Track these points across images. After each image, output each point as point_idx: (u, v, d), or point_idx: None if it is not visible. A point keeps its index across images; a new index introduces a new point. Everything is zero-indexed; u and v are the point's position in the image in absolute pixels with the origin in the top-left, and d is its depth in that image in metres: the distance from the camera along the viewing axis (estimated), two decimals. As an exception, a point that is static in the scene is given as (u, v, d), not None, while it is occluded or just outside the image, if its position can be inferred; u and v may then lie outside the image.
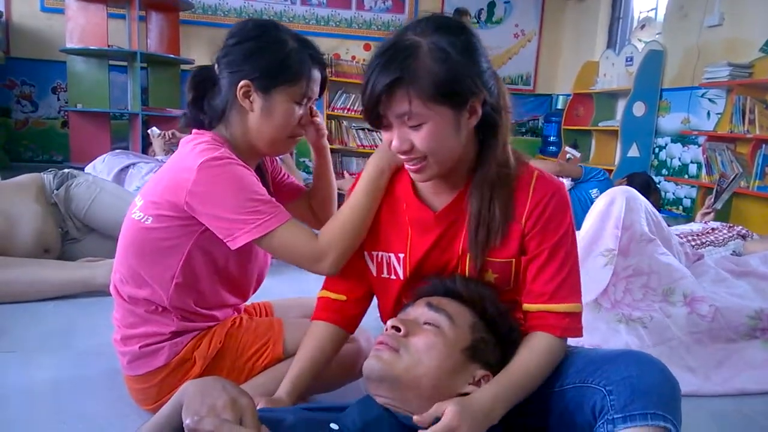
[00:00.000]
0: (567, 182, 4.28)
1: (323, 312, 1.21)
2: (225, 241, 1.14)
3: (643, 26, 5.52)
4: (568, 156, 4.84)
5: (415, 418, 0.89)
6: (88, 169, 3.16)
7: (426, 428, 0.87)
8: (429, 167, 1.02)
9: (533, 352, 1.02)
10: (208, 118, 1.27)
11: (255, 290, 1.42)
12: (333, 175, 1.50)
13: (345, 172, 5.95)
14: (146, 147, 4.48)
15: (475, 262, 1.07)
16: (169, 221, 1.19)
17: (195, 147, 1.18)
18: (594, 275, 1.84)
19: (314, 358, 1.16)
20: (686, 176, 4.76)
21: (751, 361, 1.75)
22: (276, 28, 1.25)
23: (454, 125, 0.99)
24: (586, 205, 3.59)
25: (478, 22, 6.56)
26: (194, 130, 1.25)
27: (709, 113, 4.54)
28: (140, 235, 1.22)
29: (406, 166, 1.06)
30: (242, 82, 1.21)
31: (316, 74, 1.27)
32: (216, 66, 1.26)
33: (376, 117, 0.99)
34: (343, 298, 1.20)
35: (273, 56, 1.21)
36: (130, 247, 1.24)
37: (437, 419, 0.88)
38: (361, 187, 1.16)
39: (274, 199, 1.17)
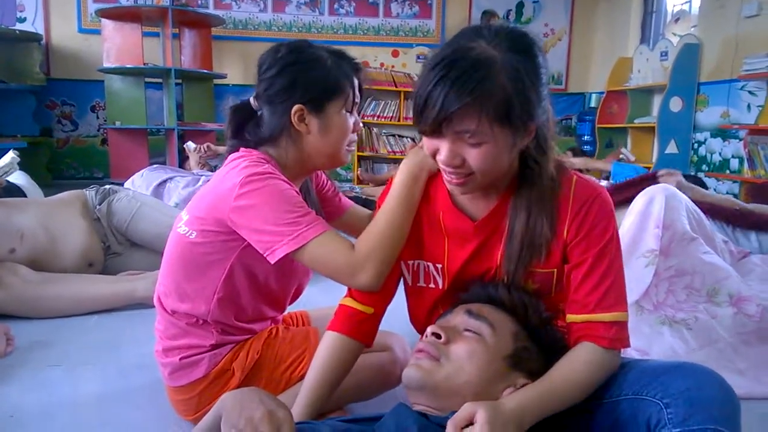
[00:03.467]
0: (605, 183, 4.23)
1: (347, 325, 1.13)
2: (265, 255, 1.12)
3: (677, 20, 5.40)
4: (621, 156, 4.81)
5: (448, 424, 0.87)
6: (127, 184, 3.24)
7: None
8: (473, 182, 0.99)
9: (575, 362, 0.99)
10: (253, 142, 1.28)
11: (292, 302, 1.43)
12: None
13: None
14: (183, 161, 4.58)
15: (516, 276, 1.04)
16: (213, 236, 1.20)
17: (239, 163, 1.20)
18: (636, 276, 1.79)
19: (333, 379, 1.11)
20: (728, 171, 4.63)
21: (804, 361, 1.68)
22: (309, 46, 1.26)
23: (510, 146, 0.95)
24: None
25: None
26: (242, 149, 1.27)
27: (749, 106, 4.40)
28: (185, 250, 1.24)
29: (447, 177, 1.01)
30: (295, 108, 1.22)
31: (355, 81, 1.28)
32: (255, 101, 1.28)
33: (433, 128, 0.93)
34: (371, 310, 1.14)
35: (318, 76, 1.23)
36: (174, 261, 1.26)
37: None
38: (396, 195, 1.12)
39: (313, 212, 1.16)
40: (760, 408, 1.52)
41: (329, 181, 1.52)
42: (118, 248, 2.45)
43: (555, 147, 1.04)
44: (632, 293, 1.76)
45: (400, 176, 1.13)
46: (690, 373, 0.91)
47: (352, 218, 1.53)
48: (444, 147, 0.95)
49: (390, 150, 6.15)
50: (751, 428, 1.42)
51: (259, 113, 1.28)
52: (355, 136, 1.32)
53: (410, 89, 5.94)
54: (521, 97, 0.90)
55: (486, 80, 0.88)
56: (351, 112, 1.28)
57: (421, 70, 0.95)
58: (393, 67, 6.26)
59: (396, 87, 6.03)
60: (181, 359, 1.26)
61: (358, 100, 1.30)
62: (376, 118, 6.05)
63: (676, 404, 0.87)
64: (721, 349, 1.67)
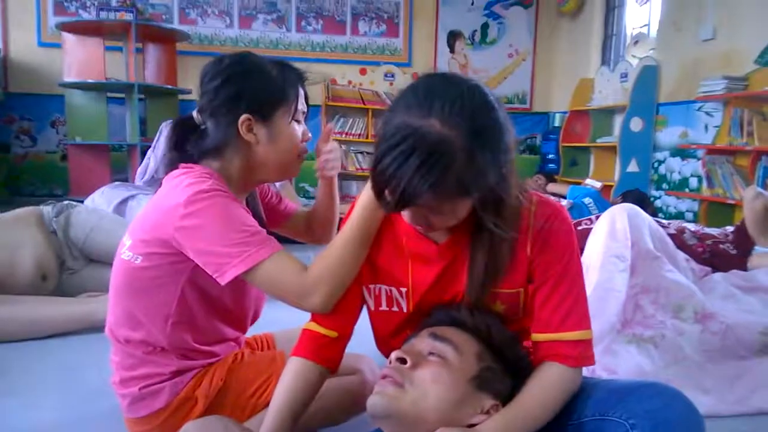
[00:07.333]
0: (565, 202, 4.32)
1: (311, 349, 1.11)
2: (214, 276, 1.09)
3: (636, 42, 5.56)
4: (587, 184, 4.91)
5: None
6: (87, 202, 3.15)
7: None
8: (438, 230, 1.01)
9: (544, 382, 0.99)
10: (196, 154, 1.24)
11: (253, 322, 1.39)
12: (336, 203, 1.50)
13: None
14: (145, 178, 4.47)
15: (481, 299, 1.04)
16: (159, 259, 1.16)
17: (182, 181, 1.15)
18: (611, 286, 1.81)
19: (298, 405, 1.07)
20: (687, 190, 4.75)
21: (766, 378, 1.71)
22: (252, 56, 1.24)
23: (471, 204, 0.95)
24: (586, 213, 3.77)
25: (472, 44, 6.61)
26: (181, 164, 1.22)
27: (706, 126, 4.54)
28: (131, 276, 1.19)
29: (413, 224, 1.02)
30: (243, 118, 1.18)
31: (301, 90, 1.27)
32: (198, 115, 1.24)
33: (394, 210, 0.93)
34: (334, 334, 1.11)
35: (263, 84, 1.21)
36: (122, 288, 1.21)
37: None
38: (356, 219, 1.10)
39: (264, 231, 1.14)
40: (724, 426, 1.54)
41: (271, 189, 1.50)
42: (73, 264, 2.37)
43: (516, 174, 1.01)
44: (610, 303, 1.77)
45: (361, 202, 1.11)
46: (655, 393, 0.91)
47: (297, 222, 1.53)
48: (406, 214, 0.96)
49: (358, 167, 6.14)
50: (718, 447, 1.44)
51: (202, 127, 1.24)
52: (305, 146, 1.30)
53: (378, 107, 5.97)
54: (479, 175, 0.88)
55: (445, 170, 0.84)
56: (299, 122, 1.26)
57: (377, 140, 0.91)
58: (361, 84, 6.27)
59: (364, 104, 6.04)
60: (140, 389, 1.21)
61: (304, 109, 1.28)
62: (344, 135, 6.05)
63: (642, 425, 0.87)
64: (687, 366, 1.69)
